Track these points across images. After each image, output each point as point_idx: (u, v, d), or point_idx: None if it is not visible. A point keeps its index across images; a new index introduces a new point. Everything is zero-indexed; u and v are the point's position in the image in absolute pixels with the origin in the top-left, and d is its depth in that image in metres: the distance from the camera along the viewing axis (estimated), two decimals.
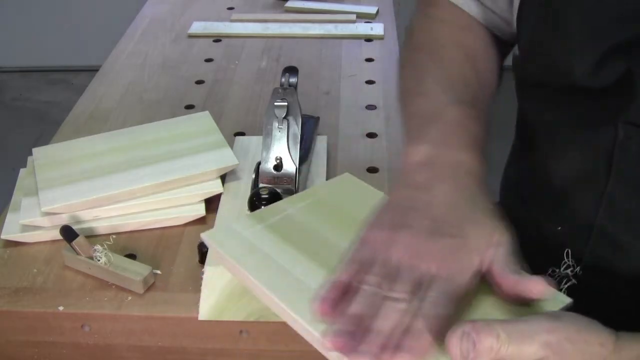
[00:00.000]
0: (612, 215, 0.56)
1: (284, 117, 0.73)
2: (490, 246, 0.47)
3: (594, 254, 0.56)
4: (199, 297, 0.61)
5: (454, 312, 0.45)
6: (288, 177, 0.71)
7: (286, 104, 0.74)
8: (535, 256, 0.50)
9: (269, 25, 1.21)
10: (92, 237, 0.69)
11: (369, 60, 1.09)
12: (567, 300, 0.47)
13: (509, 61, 0.66)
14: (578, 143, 0.58)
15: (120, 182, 0.71)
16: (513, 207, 0.69)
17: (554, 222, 0.61)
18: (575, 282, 0.56)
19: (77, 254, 0.64)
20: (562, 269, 0.56)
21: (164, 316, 0.61)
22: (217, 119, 0.84)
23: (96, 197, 0.70)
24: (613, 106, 0.54)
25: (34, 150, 0.79)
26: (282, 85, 0.77)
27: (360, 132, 0.88)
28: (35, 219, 0.69)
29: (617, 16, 0.53)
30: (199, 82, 1.03)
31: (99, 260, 0.64)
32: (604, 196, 0.56)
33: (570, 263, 0.56)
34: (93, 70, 1.12)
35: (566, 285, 0.55)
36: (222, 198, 0.73)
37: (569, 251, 0.57)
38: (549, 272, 0.57)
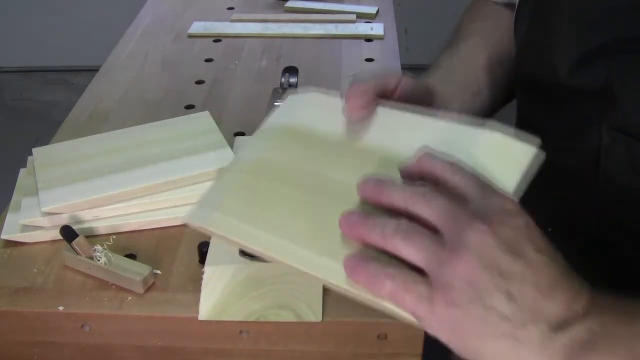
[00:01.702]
0: (601, 218, 0.56)
1: None
2: None
3: (585, 256, 0.56)
4: (199, 297, 0.61)
5: None
6: None
7: None
8: None
9: (269, 25, 1.21)
10: (92, 237, 0.69)
11: (369, 60, 1.09)
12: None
13: None
14: (567, 145, 0.58)
15: (120, 182, 0.71)
16: None
17: (546, 224, 0.61)
18: None
19: (77, 254, 0.64)
20: None
21: (164, 316, 0.61)
22: (217, 119, 0.84)
23: (96, 197, 0.70)
24: (597, 110, 0.54)
25: (34, 150, 0.79)
26: (282, 85, 0.77)
27: None
28: (35, 219, 0.69)
29: (599, 18, 0.53)
30: (199, 82, 1.03)
31: (99, 260, 0.64)
32: (594, 200, 0.56)
33: None
34: (93, 70, 1.12)
35: None
36: None
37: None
38: None
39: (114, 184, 0.71)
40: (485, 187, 0.42)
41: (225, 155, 0.75)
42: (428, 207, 0.41)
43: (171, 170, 0.73)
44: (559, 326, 0.38)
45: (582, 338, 0.38)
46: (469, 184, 0.41)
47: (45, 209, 0.68)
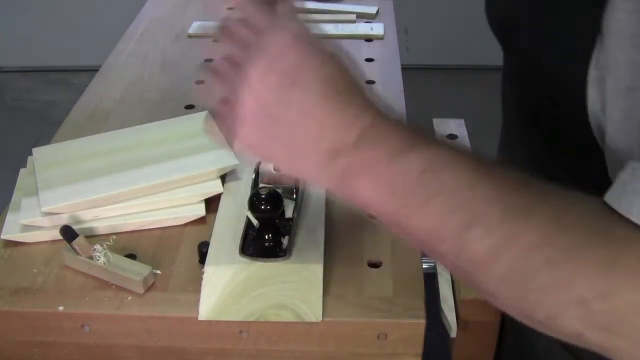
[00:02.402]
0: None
1: None
2: None
3: None
4: (199, 297, 0.61)
5: None
6: (288, 177, 0.71)
7: None
8: None
9: None
10: (92, 237, 0.69)
11: (369, 60, 1.09)
12: None
13: (498, 61, 0.67)
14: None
15: (120, 182, 0.71)
16: None
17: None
18: None
19: (77, 254, 0.65)
20: None
21: (164, 316, 0.61)
22: None
23: (96, 197, 0.70)
24: (510, 38, 0.61)
25: (34, 150, 0.79)
26: None
27: None
28: (35, 219, 0.69)
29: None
30: (199, 82, 1.03)
31: (98, 260, 0.64)
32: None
33: None
34: (93, 70, 1.12)
35: None
36: (222, 198, 0.73)
37: None
38: None
39: (114, 184, 0.71)
40: (264, 29, 0.50)
41: (225, 155, 0.75)
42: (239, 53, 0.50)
43: (171, 170, 0.73)
44: (333, 154, 0.44)
45: (351, 167, 0.43)
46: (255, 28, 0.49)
47: (45, 209, 0.68)
